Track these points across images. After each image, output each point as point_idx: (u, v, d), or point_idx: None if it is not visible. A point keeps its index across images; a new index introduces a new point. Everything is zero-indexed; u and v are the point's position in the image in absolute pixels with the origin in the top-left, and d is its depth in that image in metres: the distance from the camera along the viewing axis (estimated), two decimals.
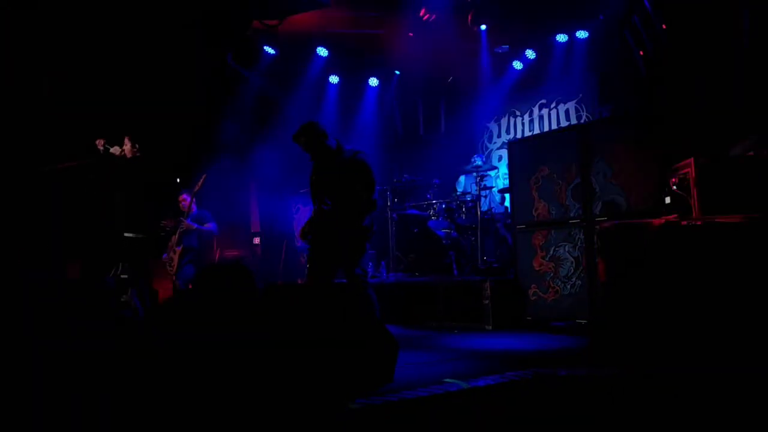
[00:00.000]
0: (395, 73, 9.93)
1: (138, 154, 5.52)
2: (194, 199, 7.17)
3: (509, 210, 7.09)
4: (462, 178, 8.74)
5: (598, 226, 5.43)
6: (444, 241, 7.74)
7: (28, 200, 5.31)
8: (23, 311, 3.24)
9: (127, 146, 5.49)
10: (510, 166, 6.49)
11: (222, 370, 2.84)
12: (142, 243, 5.53)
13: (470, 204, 7.69)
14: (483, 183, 7.85)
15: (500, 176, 9.40)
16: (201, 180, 7.06)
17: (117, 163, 5.44)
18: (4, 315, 3.03)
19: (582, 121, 8.61)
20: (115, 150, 5.45)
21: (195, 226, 7.08)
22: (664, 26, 7.03)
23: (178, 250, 6.89)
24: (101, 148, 5.43)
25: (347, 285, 4.57)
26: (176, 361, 2.72)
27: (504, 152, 9.43)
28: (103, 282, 3.87)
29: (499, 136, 9.93)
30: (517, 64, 9.26)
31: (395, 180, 8.49)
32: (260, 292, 3.41)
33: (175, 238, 6.93)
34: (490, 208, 7.95)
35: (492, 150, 9.98)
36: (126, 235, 5.38)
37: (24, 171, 5.61)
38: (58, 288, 3.46)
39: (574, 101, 8.90)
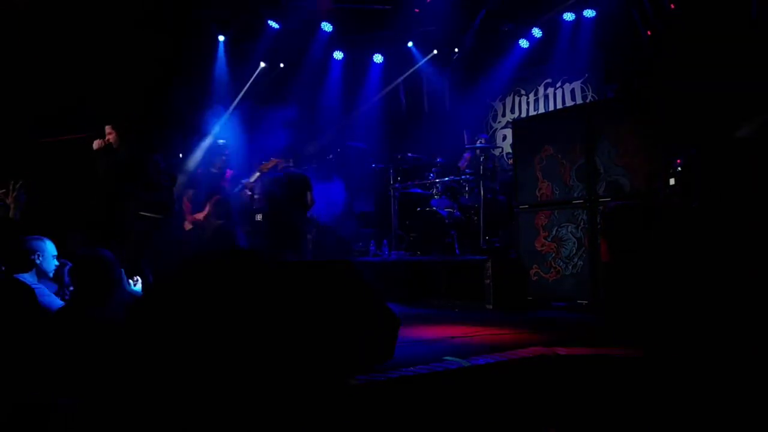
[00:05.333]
0: (404, 48, 9.78)
1: (125, 138, 5.45)
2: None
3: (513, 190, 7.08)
4: (465, 157, 8.70)
5: (601, 207, 5.43)
6: (446, 220, 7.74)
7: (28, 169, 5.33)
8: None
9: (112, 135, 5.43)
10: (514, 145, 6.46)
11: (222, 347, 2.85)
12: (145, 222, 5.52)
13: (473, 183, 7.67)
14: (486, 162, 7.81)
15: (504, 156, 9.36)
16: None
17: (103, 153, 5.40)
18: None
19: (588, 101, 8.54)
20: (96, 144, 5.41)
21: None
22: (672, 5, 6.94)
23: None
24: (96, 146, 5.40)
25: (347, 263, 4.58)
26: (174, 338, 2.74)
27: (508, 132, 9.37)
28: (101, 254, 3.87)
29: (503, 115, 9.86)
30: (524, 43, 9.14)
31: (398, 158, 8.45)
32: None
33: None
34: (493, 188, 7.93)
35: (496, 129, 9.92)
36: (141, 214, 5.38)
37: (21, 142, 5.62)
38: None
39: (580, 81, 8.81)
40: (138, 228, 5.41)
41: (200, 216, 6.47)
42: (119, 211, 5.37)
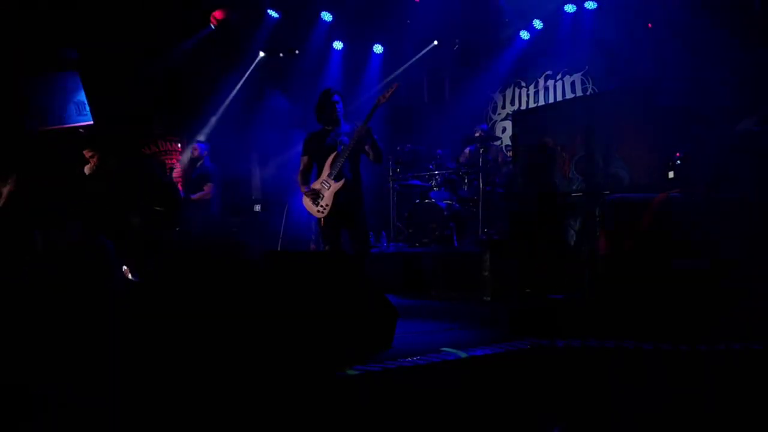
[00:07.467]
0: (404, 39, 9.72)
1: (102, 165, 5.41)
2: (207, 154, 7.05)
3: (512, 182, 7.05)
4: (465, 150, 8.67)
5: (600, 200, 5.42)
6: (445, 213, 7.72)
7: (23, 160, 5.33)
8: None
9: (94, 158, 5.41)
10: (514, 137, 6.44)
11: (220, 337, 2.85)
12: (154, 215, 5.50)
13: (472, 176, 7.65)
14: (486, 155, 7.78)
15: (503, 148, 9.33)
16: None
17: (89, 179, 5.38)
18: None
19: (588, 93, 8.52)
20: (87, 169, 5.42)
21: (191, 196, 6.98)
22: None
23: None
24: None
25: (345, 254, 4.59)
26: (172, 328, 2.73)
27: (508, 124, 9.35)
28: (99, 242, 3.85)
29: (503, 107, 9.83)
30: (524, 34, 9.11)
31: (398, 149, 8.42)
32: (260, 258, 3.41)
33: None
34: (492, 180, 7.91)
35: (496, 121, 9.89)
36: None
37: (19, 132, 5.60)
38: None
39: (581, 73, 8.78)
40: (144, 221, 5.40)
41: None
42: (124, 211, 5.37)
